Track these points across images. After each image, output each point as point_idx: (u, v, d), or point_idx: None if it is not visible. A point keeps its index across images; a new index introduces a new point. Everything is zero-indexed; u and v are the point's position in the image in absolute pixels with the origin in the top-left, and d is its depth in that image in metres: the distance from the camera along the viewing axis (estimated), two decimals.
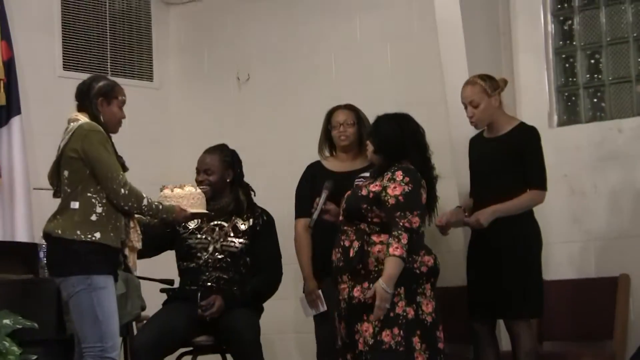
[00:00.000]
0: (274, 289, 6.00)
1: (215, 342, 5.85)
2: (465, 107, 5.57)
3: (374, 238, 5.07)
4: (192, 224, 5.94)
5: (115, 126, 5.11)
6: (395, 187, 5.03)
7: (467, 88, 5.57)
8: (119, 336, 4.95)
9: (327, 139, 6.13)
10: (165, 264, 6.12)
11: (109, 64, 7.60)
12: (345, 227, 5.19)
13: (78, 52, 7.45)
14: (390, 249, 4.94)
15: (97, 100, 5.03)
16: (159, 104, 7.90)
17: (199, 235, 5.91)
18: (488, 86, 5.53)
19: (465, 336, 5.70)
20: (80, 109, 5.05)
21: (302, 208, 5.99)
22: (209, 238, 5.91)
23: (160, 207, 5.04)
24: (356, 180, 5.67)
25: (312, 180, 6.00)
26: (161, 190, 5.21)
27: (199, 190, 5.31)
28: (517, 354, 5.45)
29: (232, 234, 5.92)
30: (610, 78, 6.41)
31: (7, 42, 6.87)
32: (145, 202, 4.95)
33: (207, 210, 5.42)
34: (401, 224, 4.95)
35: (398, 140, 5.19)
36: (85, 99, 5.04)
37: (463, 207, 5.65)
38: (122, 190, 4.89)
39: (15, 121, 6.84)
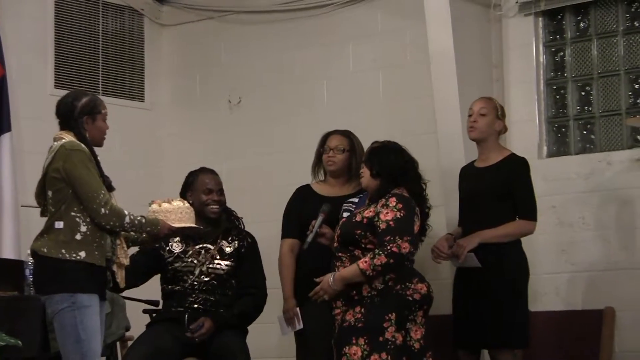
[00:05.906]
0: (259, 311, 5.97)
1: None
2: (470, 116, 5.61)
3: None
4: (177, 248, 5.90)
5: (101, 140, 5.09)
6: (387, 213, 5.06)
7: (481, 100, 5.67)
8: (100, 356, 4.90)
9: (320, 162, 6.09)
10: (147, 285, 6.06)
11: (100, 83, 7.60)
12: (340, 254, 5.21)
13: (70, 71, 7.45)
14: (360, 261, 5.00)
15: (83, 119, 5.00)
16: (150, 125, 7.89)
17: (185, 259, 5.87)
18: (500, 109, 5.64)
19: None
20: (64, 127, 5.04)
21: (289, 229, 6.00)
22: (195, 261, 5.86)
23: (144, 220, 4.98)
24: (344, 204, 5.68)
25: (300, 203, 5.99)
26: (150, 205, 5.17)
27: (187, 205, 5.18)
28: None
29: (218, 257, 5.89)
30: (600, 110, 6.45)
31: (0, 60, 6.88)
32: (127, 219, 4.89)
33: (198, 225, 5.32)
34: (388, 247, 4.97)
35: (397, 166, 5.22)
36: (69, 119, 5.00)
37: (453, 234, 5.65)
38: (103, 210, 4.84)
39: (5, 138, 6.85)
